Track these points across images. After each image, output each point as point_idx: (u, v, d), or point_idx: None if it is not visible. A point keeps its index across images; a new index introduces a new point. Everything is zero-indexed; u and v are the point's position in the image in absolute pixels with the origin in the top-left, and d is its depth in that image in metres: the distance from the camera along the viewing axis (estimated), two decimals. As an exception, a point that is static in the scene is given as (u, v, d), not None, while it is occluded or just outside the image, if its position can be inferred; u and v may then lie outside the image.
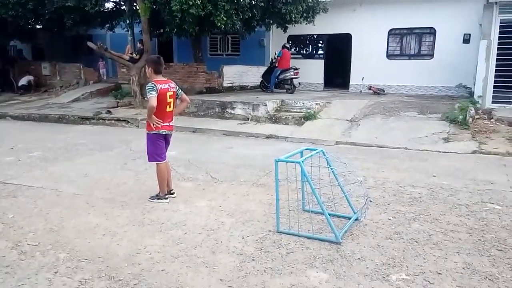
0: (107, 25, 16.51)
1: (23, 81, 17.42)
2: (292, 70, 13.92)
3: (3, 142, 8.67)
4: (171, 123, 4.99)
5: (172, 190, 5.19)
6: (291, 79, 13.96)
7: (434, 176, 6.07)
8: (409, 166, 6.68)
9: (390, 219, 4.40)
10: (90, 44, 13.12)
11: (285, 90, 13.98)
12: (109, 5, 15.67)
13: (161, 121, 4.82)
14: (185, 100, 5.19)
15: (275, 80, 14.02)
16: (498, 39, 10.52)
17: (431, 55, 14.79)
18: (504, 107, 10.52)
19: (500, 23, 10.52)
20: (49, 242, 3.86)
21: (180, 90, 5.12)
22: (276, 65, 14.03)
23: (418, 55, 15.09)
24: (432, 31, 14.71)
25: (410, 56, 15.22)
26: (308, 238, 3.90)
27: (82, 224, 4.31)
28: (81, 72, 17.47)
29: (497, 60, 10.57)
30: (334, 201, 4.60)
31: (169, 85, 4.88)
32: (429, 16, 14.42)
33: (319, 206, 3.91)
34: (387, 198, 5.07)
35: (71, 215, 4.56)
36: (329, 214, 3.98)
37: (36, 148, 8.09)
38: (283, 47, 14.19)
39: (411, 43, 15.22)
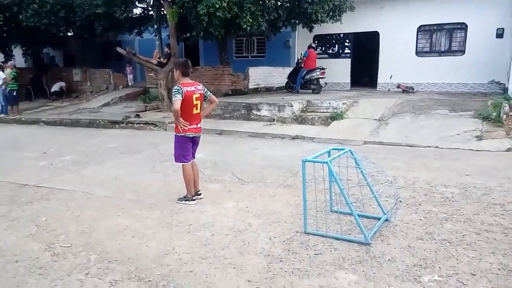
0: (136, 31, 16.87)
1: (55, 87, 18.01)
2: (319, 70, 13.80)
3: (36, 147, 8.96)
4: (199, 125, 5.02)
5: (199, 191, 5.23)
6: (317, 79, 13.84)
7: (466, 175, 5.88)
8: (441, 165, 6.49)
9: (421, 220, 4.28)
10: (119, 49, 13.43)
11: (311, 91, 13.87)
12: (137, 11, 16.03)
13: (188, 123, 4.86)
14: (213, 101, 5.19)
15: (301, 81, 13.95)
16: (533, 33, 10.12)
17: (462, 51, 14.38)
18: (541, 102, 10.09)
19: (535, 15, 10.12)
20: (81, 244, 3.95)
21: (209, 92, 5.13)
22: (302, 65, 13.95)
23: (449, 52, 14.70)
24: (463, 27, 14.30)
25: (441, 53, 14.85)
26: (337, 239, 3.85)
27: (112, 226, 4.40)
28: (110, 78, 17.90)
29: (533, 54, 10.17)
30: (362, 202, 4.51)
31: (195, 88, 4.90)
32: (460, 11, 14.04)
33: (347, 206, 3.84)
34: (417, 198, 4.94)
35: (101, 217, 4.66)
36: (358, 215, 3.90)
37: (68, 152, 8.32)
38: (309, 47, 14.09)
39: (441, 39, 14.85)
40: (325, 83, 14.77)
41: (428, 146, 7.82)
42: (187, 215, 4.65)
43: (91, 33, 16.13)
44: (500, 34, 13.42)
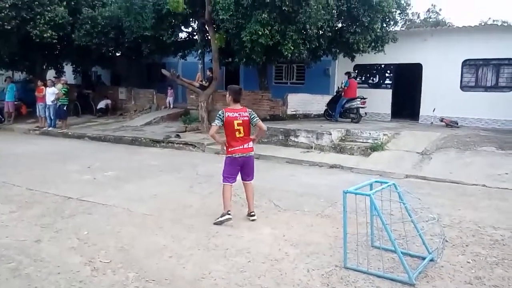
0: (180, 54, 17.40)
1: (101, 104, 18.73)
2: (359, 99, 13.66)
3: (81, 161, 9.25)
4: (245, 146, 5.18)
5: (253, 212, 5.31)
6: (357, 108, 13.70)
7: (517, 217, 5.57)
8: (489, 205, 6.18)
9: (469, 262, 4.06)
10: (164, 71, 13.86)
11: (349, 120, 13.73)
12: (182, 35, 16.56)
13: (228, 145, 5.11)
14: (260, 128, 5.34)
15: (340, 109, 13.84)
16: None
17: (510, 88, 13.94)
18: None
19: None
20: (120, 261, 3.99)
21: (256, 119, 5.25)
22: (343, 94, 13.88)
23: (496, 87, 14.28)
24: (511, 63, 13.89)
25: (487, 88, 14.44)
26: (378, 276, 3.69)
27: (151, 244, 4.42)
28: (154, 98, 18.47)
29: None
30: (406, 239, 4.34)
31: (239, 114, 5.11)
32: (508, 46, 13.69)
33: (389, 242, 3.70)
34: (464, 239, 4.70)
35: (140, 234, 4.71)
36: (401, 253, 3.74)
37: (111, 167, 8.53)
38: (348, 75, 13.98)
39: (487, 74, 14.48)
40: (365, 113, 14.60)
41: (474, 184, 7.48)
42: (224, 239, 4.62)
43: (138, 54, 16.81)
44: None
